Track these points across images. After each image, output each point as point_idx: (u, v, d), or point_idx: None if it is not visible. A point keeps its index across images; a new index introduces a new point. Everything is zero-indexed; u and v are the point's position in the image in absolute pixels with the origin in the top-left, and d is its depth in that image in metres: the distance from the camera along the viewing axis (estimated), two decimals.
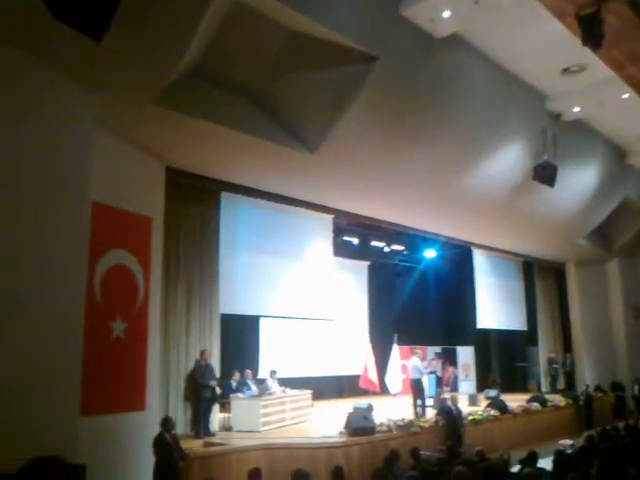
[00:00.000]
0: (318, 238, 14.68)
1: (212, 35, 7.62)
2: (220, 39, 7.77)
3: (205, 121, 8.27)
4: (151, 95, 7.52)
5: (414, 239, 18.96)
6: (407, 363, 15.29)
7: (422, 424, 12.27)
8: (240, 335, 15.48)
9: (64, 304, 6.90)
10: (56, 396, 6.74)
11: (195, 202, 11.20)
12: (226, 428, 11.62)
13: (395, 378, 17.22)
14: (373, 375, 17.65)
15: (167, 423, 8.23)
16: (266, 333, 16.37)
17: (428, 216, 14.63)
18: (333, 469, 7.37)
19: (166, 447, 7.98)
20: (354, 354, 18.51)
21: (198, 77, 8.16)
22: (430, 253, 21.31)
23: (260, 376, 14.21)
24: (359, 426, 10.97)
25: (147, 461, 8.85)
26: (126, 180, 8.71)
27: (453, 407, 12.82)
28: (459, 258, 20.81)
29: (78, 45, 5.47)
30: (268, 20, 7.88)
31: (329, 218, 14.65)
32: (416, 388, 13.93)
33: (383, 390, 17.62)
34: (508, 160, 12.52)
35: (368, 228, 17.85)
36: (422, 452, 9.47)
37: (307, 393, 13.65)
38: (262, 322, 16.04)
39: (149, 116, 7.97)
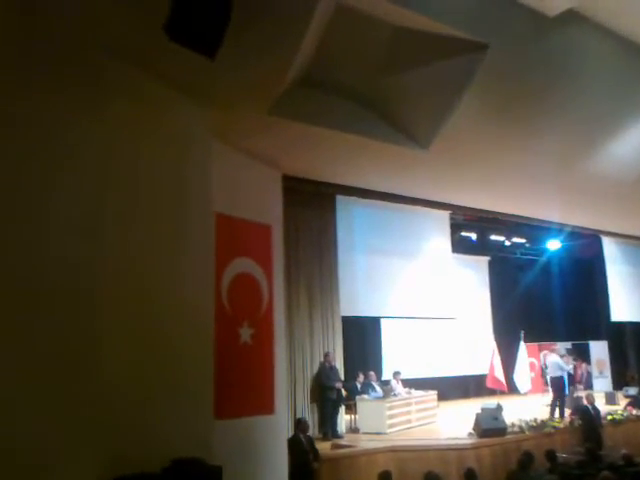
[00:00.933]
0: (435, 235, 14.41)
1: (318, 41, 7.67)
2: (325, 44, 7.79)
3: (317, 127, 8.34)
4: (264, 106, 7.69)
5: (536, 230, 18.10)
6: (546, 360, 14.69)
7: (556, 424, 11.70)
8: (362, 337, 15.52)
9: (196, 312, 7.19)
10: (192, 400, 7.02)
11: (312, 207, 11.38)
12: (353, 430, 11.68)
13: (524, 376, 16.55)
14: (500, 374, 16.99)
15: (301, 425, 8.40)
16: (388, 334, 16.30)
17: (551, 206, 13.89)
18: (465, 471, 7.21)
19: (301, 448, 8.14)
20: (478, 353, 17.98)
21: (308, 84, 8.25)
22: (554, 244, 20.25)
23: (384, 378, 14.16)
24: (489, 427, 10.64)
25: (278, 463, 9.07)
26: (245, 190, 8.98)
27: (590, 406, 12.11)
28: (586, 247, 19.61)
29: (191, 63, 5.68)
30: (371, 19, 7.81)
31: (446, 214, 14.34)
32: (556, 387, 13.28)
33: (511, 389, 16.97)
34: (638, 139, 11.62)
35: (486, 222, 17.27)
36: (559, 454, 9.00)
37: (432, 394, 13.43)
38: (383, 323, 15.99)
39: (264, 126, 8.16)
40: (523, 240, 19.73)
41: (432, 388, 13.73)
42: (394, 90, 9.08)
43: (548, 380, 16.15)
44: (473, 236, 18.03)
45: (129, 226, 6.43)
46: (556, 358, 13.50)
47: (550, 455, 8.35)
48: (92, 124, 5.93)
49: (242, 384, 8.53)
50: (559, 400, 13.02)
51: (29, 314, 5.35)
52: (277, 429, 9.25)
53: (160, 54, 6.29)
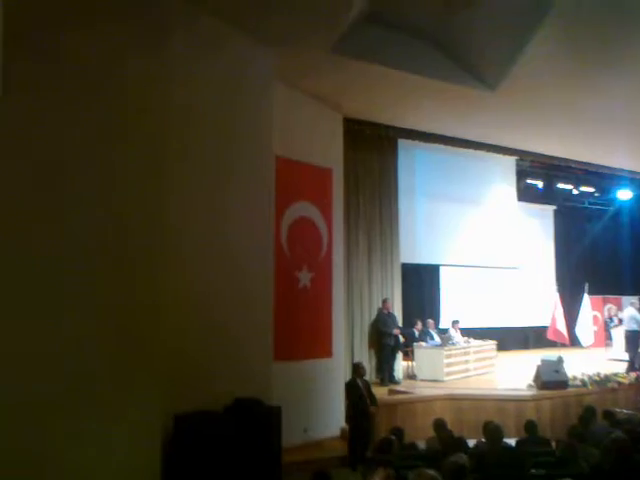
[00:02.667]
0: (500, 182, 13.95)
1: None
2: None
3: (382, 66, 8.05)
4: (326, 43, 7.43)
5: (606, 179, 17.24)
6: (624, 313, 14.25)
7: (621, 379, 11.31)
8: (420, 284, 15.32)
9: (256, 256, 7.19)
10: (253, 343, 7.11)
11: (373, 151, 11.12)
12: (410, 376, 11.66)
13: (586, 330, 16.09)
14: (562, 326, 16.56)
15: (359, 369, 8.39)
16: (447, 282, 16.03)
17: (623, 153, 13.16)
18: (525, 423, 7.04)
19: (358, 392, 8.16)
20: (540, 304, 17.54)
21: (372, 22, 7.90)
22: (625, 194, 19.28)
23: (441, 326, 14.01)
24: (550, 379, 10.39)
25: (335, 405, 9.20)
26: (306, 132, 8.82)
27: None
28: None
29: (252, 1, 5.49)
30: None
31: (512, 160, 13.81)
32: (631, 340, 12.87)
33: (572, 342, 16.57)
34: None
35: (554, 169, 16.52)
36: (621, 410, 8.70)
37: (491, 344, 13.22)
38: (443, 271, 15.71)
39: (325, 65, 7.92)
40: (592, 189, 18.84)
41: (491, 338, 13.51)
42: (462, 28, 8.61)
43: (611, 333, 15.75)
44: (539, 184, 17.31)
45: (190, 166, 6.39)
46: (633, 312, 13.06)
47: (607, 414, 8.01)
48: (151, 60, 5.82)
49: (301, 327, 8.60)
50: (632, 353, 12.63)
51: (104, 263, 5.47)
52: (335, 372, 9.34)
53: None
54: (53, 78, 5.19)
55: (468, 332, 13.49)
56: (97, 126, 5.43)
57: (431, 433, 7.17)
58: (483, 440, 6.29)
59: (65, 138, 5.24)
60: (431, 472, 3.27)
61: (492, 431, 5.93)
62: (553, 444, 6.67)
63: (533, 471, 4.94)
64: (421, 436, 8.04)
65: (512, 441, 6.55)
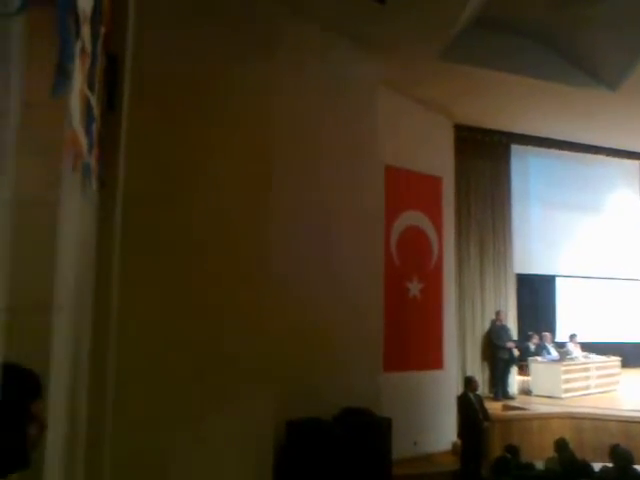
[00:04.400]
0: (622, 188, 13.09)
1: None
2: None
3: (494, 71, 7.83)
4: (436, 50, 7.33)
5: None
6: None
7: None
8: (536, 296, 14.64)
9: (365, 266, 7.19)
10: (362, 353, 7.10)
11: (484, 157, 10.82)
12: (525, 392, 11.16)
13: None
14: None
15: (471, 383, 8.14)
16: (564, 294, 15.23)
17: None
18: None
19: (471, 406, 7.92)
20: None
21: (483, 25, 7.70)
22: None
23: (558, 339, 13.31)
24: None
25: (446, 418, 8.97)
26: (415, 141, 8.74)
27: None
28: None
29: (358, 9, 5.49)
30: None
31: (635, 164, 12.93)
32: None
33: None
34: None
35: None
36: None
37: (615, 360, 12.40)
38: (559, 282, 14.96)
39: (435, 72, 7.81)
40: None
41: (614, 353, 12.68)
42: (578, 26, 8.21)
43: None
44: None
45: (296, 176, 6.49)
46: None
47: None
48: (258, 69, 5.92)
49: (411, 338, 8.49)
50: None
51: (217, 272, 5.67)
52: (446, 385, 9.14)
53: (332, 5, 6.20)
54: (167, 87, 5.42)
55: (588, 347, 12.73)
56: (202, 138, 5.61)
57: (548, 453, 6.85)
58: (609, 465, 5.89)
59: (176, 149, 5.46)
60: None
61: (621, 456, 5.54)
62: None
63: None
64: (537, 455, 7.68)
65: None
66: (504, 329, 10.55)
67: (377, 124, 7.43)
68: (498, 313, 10.60)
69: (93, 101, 2.60)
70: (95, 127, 2.83)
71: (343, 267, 6.92)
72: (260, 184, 5.87)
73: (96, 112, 2.88)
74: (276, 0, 6.00)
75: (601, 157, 12.00)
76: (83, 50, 1.71)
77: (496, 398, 10.30)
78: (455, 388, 9.32)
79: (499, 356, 10.46)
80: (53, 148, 1.87)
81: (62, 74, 1.23)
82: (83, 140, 2.23)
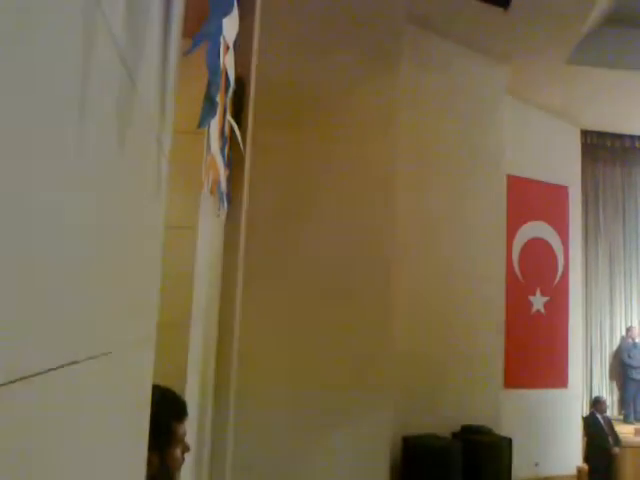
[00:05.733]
0: None
1: None
2: None
3: (624, 70, 7.34)
4: (563, 54, 7.01)
5: None
6: None
7: None
8: None
9: (488, 279, 7.02)
10: (483, 369, 6.93)
11: (615, 164, 10.19)
12: None
13: None
14: None
15: (599, 404, 7.72)
16: None
17: None
18: None
19: (599, 429, 7.48)
20: None
21: (612, 24, 7.25)
22: None
23: None
24: None
25: (570, 440, 8.50)
26: (539, 148, 8.42)
27: None
28: None
29: (481, 17, 5.36)
30: None
31: None
32: None
33: None
34: None
35: None
36: None
37: None
38: None
39: (562, 77, 7.46)
40: None
41: None
42: None
43: None
44: None
45: (420, 189, 6.45)
46: None
47: None
48: (382, 84, 5.96)
49: (533, 354, 8.13)
50: None
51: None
52: (570, 405, 8.66)
53: (453, 15, 6.12)
54: (290, 106, 5.55)
55: None
56: (325, 156, 5.70)
57: None
58: None
59: (299, 167, 5.59)
60: None
61: None
62: None
63: None
64: None
65: None
66: (636, 347, 9.86)
67: (501, 133, 7.24)
68: (629, 329, 9.93)
69: (226, 124, 2.72)
70: (226, 148, 2.95)
71: (463, 280, 6.79)
72: (383, 200, 5.88)
73: (227, 133, 3.00)
74: (398, 12, 5.99)
75: None
76: (226, 76, 1.77)
77: (627, 420, 9.63)
78: (580, 408, 8.84)
79: (630, 376, 9.79)
80: (194, 174, 1.98)
81: (211, 106, 1.28)
82: (220, 164, 2.32)
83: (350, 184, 5.74)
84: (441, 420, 6.35)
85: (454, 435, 6.48)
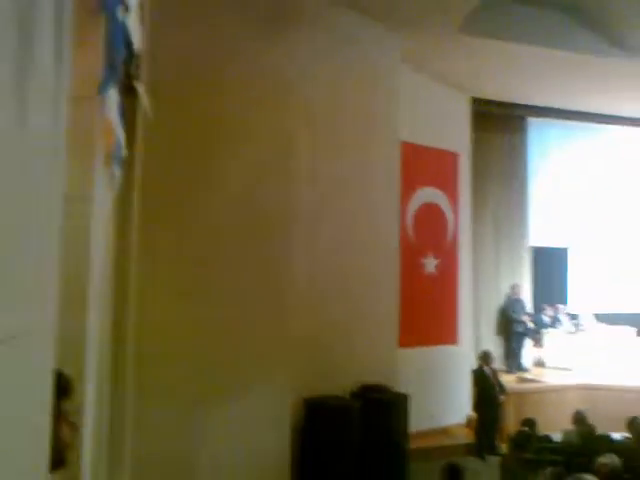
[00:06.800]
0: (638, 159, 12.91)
1: None
2: None
3: (513, 43, 7.69)
4: (454, 24, 7.20)
5: None
6: None
7: None
8: (549, 268, 14.59)
9: (383, 242, 7.19)
10: (378, 330, 7.14)
11: (501, 131, 10.70)
12: (539, 364, 11.19)
13: None
14: None
15: (487, 357, 8.21)
16: (577, 266, 15.17)
17: None
18: None
19: (486, 380, 7.98)
20: None
21: None
22: None
23: (572, 311, 13.28)
24: None
25: (461, 392, 9.03)
26: (431, 116, 8.64)
27: None
28: None
29: None
30: None
31: None
32: None
33: None
34: None
35: None
36: None
37: (629, 330, 12.36)
38: (572, 254, 14.88)
39: (453, 46, 7.69)
40: None
41: (627, 324, 12.65)
42: None
43: None
44: None
45: (318, 155, 6.47)
46: None
47: None
48: (289, 50, 5.91)
49: (426, 314, 8.50)
50: None
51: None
52: (460, 359, 9.17)
53: None
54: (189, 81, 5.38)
55: (602, 318, 12.71)
56: (222, 119, 5.58)
57: (563, 424, 6.88)
58: (626, 436, 5.94)
59: (196, 131, 5.44)
60: (590, 478, 3.10)
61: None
62: None
63: None
64: (553, 428, 7.72)
65: None
66: (519, 302, 10.56)
67: (395, 100, 7.36)
68: (514, 287, 10.60)
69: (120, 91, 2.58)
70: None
71: (359, 243, 6.92)
72: (282, 166, 5.86)
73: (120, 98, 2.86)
74: None
75: (619, 127, 11.81)
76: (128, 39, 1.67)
77: (510, 371, 10.34)
78: (469, 362, 9.37)
79: (514, 329, 10.49)
80: (89, 141, 1.86)
81: (112, 71, 1.20)
82: (118, 130, 2.21)
83: (249, 150, 5.67)
84: (341, 381, 6.50)
85: (353, 395, 6.67)
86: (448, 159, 8.88)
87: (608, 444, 5.40)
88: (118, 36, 1.12)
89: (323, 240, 6.49)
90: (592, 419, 8.32)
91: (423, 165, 8.41)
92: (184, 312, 5.28)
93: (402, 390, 6.95)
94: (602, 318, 12.67)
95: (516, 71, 8.74)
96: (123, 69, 2.42)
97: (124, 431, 4.14)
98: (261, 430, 5.81)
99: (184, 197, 5.34)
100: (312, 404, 6.21)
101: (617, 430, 6.46)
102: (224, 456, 5.52)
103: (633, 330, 12.35)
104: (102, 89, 1.21)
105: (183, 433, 5.30)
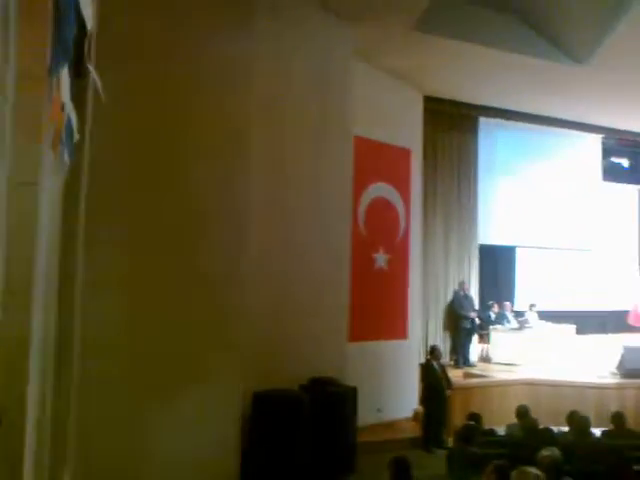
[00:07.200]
0: (584, 161, 13.35)
1: None
2: None
3: (466, 43, 7.81)
4: (408, 20, 7.27)
5: None
6: None
7: None
8: (497, 266, 14.92)
9: (334, 237, 7.20)
10: (328, 324, 7.15)
11: (453, 130, 10.86)
12: (485, 359, 11.44)
13: None
14: None
15: (435, 351, 8.33)
16: (523, 264, 15.57)
17: None
18: (613, 414, 6.77)
19: (434, 374, 8.10)
20: (620, 287, 16.81)
21: None
22: None
23: (517, 309, 13.63)
24: (635, 367, 9.98)
25: (409, 387, 9.16)
26: (385, 112, 8.68)
27: None
28: None
29: None
30: None
31: (597, 138, 13.17)
32: None
33: None
34: None
35: None
36: None
37: (569, 328, 12.78)
38: (519, 252, 15.26)
39: (407, 43, 7.75)
40: None
41: (569, 322, 13.06)
42: (551, 1, 8.24)
43: None
44: (625, 162, 16.49)
45: (273, 144, 6.43)
46: None
47: None
48: (240, 39, 5.84)
49: (376, 309, 8.56)
50: None
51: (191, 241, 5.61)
52: (409, 354, 9.30)
53: None
54: (136, 64, 5.25)
55: (545, 315, 13.09)
56: (174, 105, 5.49)
57: (507, 419, 7.04)
58: (566, 429, 6.12)
59: (146, 117, 5.32)
60: (533, 470, 3.18)
61: (579, 422, 5.74)
62: None
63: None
64: (497, 422, 7.90)
65: (594, 431, 6.31)
66: (467, 299, 10.76)
67: (350, 94, 7.37)
68: (462, 283, 10.78)
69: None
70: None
71: (310, 237, 6.91)
72: (237, 153, 5.80)
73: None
74: None
75: (566, 130, 12.17)
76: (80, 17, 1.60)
77: (457, 365, 10.55)
78: (417, 357, 9.50)
79: (461, 325, 10.68)
80: (37, 124, 1.78)
81: (64, 51, 1.15)
82: (68, 112, 2.13)
83: (204, 136, 5.60)
84: (291, 374, 6.49)
85: (303, 388, 6.67)
86: (400, 155, 8.94)
87: (550, 437, 5.56)
88: (69, 13, 1.06)
89: (273, 234, 6.45)
90: (535, 413, 8.59)
91: (375, 160, 8.44)
92: (130, 303, 5.17)
93: (351, 384, 6.99)
94: (545, 316, 13.05)
95: (469, 71, 8.89)
96: (74, 49, 2.33)
97: (67, 427, 4.02)
98: (210, 423, 5.76)
99: (132, 184, 5.22)
100: (261, 397, 6.19)
101: (558, 424, 6.66)
102: (172, 449, 5.45)
103: (573, 328, 12.78)
104: (53, 69, 1.15)
105: (129, 427, 5.20)
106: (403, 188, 8.97)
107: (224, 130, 5.75)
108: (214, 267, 5.72)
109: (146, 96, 5.27)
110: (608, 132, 12.72)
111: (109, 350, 4.99)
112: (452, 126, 10.82)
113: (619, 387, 9.64)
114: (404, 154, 9.00)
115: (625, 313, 16.22)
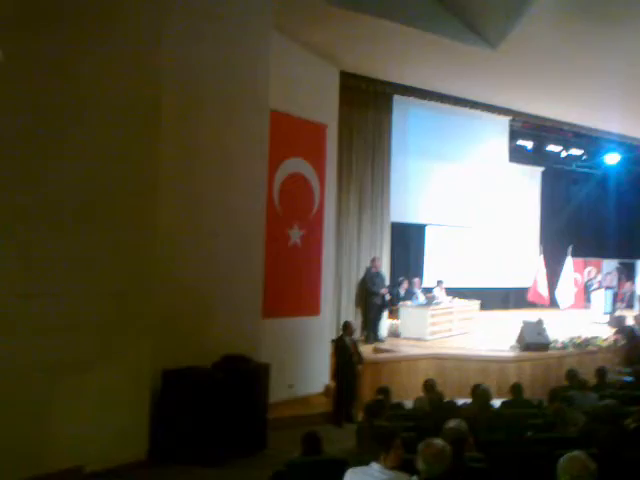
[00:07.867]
0: (493, 142, 13.84)
1: None
2: None
3: (382, 20, 7.79)
4: None
5: (595, 142, 17.20)
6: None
7: (600, 343, 11.50)
8: (407, 244, 15.29)
9: (248, 212, 7.08)
10: (242, 300, 7.06)
11: (368, 107, 10.90)
12: (394, 335, 11.71)
13: (567, 292, 16.27)
14: (543, 288, 16.75)
15: (348, 327, 8.42)
16: (432, 242, 16.04)
17: (615, 115, 13.04)
18: (512, 385, 7.10)
19: (346, 350, 8.20)
20: (522, 265, 17.68)
21: None
22: (612, 158, 19.17)
23: (426, 285, 14.04)
24: (533, 341, 10.53)
25: (321, 362, 9.25)
26: (301, 86, 8.58)
27: (637, 327, 11.85)
28: None
29: None
30: None
31: (505, 121, 13.66)
32: None
33: (552, 304, 16.77)
34: None
35: (545, 131, 16.42)
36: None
37: (474, 304, 13.31)
38: (428, 230, 15.70)
39: (325, 18, 7.67)
40: (580, 152, 18.77)
41: (474, 298, 13.60)
42: None
43: (590, 296, 16.09)
44: (529, 145, 17.22)
45: (184, 118, 6.22)
46: None
47: (600, 372, 8.08)
48: (145, 13, 5.60)
49: (290, 285, 8.53)
50: None
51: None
52: (321, 330, 9.35)
53: None
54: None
55: (452, 292, 13.55)
56: (87, 86, 5.23)
57: (415, 392, 7.24)
58: (469, 401, 6.34)
59: (57, 97, 5.05)
60: (439, 442, 3.25)
61: (481, 395, 5.97)
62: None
63: (529, 434, 4.95)
64: (405, 395, 8.14)
65: (496, 402, 6.60)
66: (379, 276, 10.92)
67: (267, 68, 7.20)
68: (373, 260, 10.93)
69: None
70: None
71: (226, 213, 6.77)
72: (145, 127, 5.58)
73: None
74: None
75: (477, 112, 12.50)
76: None
77: (367, 341, 10.73)
78: (329, 333, 9.58)
79: (372, 301, 10.85)
80: None
81: None
82: None
83: (111, 109, 5.34)
84: (203, 351, 6.38)
85: (215, 365, 6.57)
86: (316, 130, 8.86)
87: (455, 410, 5.74)
88: None
89: (186, 209, 6.28)
90: (442, 386, 8.91)
91: (291, 135, 8.32)
92: (26, 278, 4.92)
93: (265, 360, 6.96)
94: (452, 292, 13.51)
95: (384, 48, 8.91)
96: None
97: None
98: (117, 404, 5.65)
99: (33, 162, 4.93)
100: (171, 375, 6.06)
101: (463, 396, 6.91)
102: (79, 427, 5.28)
103: (478, 303, 13.33)
104: None
105: (36, 405, 5.00)
106: (318, 164, 8.92)
107: (133, 104, 5.53)
108: (122, 244, 5.57)
109: (50, 71, 4.99)
110: (515, 115, 13.19)
111: (15, 326, 4.77)
112: (367, 103, 10.85)
113: (518, 360, 10.13)
114: (320, 129, 8.93)
115: (526, 290, 17.11)
